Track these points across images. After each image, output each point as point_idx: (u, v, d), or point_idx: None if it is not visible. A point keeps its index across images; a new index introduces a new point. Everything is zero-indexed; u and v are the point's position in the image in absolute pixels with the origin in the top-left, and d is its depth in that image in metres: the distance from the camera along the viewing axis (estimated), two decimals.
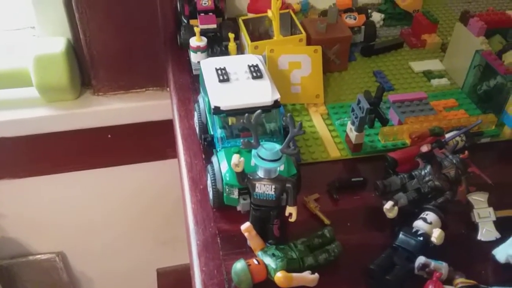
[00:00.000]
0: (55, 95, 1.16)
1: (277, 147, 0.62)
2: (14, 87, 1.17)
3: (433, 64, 1.01)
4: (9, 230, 1.45)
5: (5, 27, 1.23)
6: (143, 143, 1.32)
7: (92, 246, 1.54)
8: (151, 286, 1.73)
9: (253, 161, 0.62)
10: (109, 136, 1.27)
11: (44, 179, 1.33)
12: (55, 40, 1.14)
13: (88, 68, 1.17)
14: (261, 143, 0.62)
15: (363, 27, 1.02)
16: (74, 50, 1.17)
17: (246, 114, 0.62)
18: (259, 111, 0.62)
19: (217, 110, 0.70)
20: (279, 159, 0.62)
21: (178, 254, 1.56)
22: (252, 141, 0.62)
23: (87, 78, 1.21)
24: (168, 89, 1.21)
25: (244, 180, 0.63)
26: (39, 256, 1.52)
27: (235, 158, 0.61)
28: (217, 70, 0.74)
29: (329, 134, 0.85)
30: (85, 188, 1.40)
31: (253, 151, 0.62)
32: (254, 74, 0.74)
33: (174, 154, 1.27)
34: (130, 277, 1.67)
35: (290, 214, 0.64)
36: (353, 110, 0.78)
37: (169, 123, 1.03)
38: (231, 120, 0.72)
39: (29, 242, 1.50)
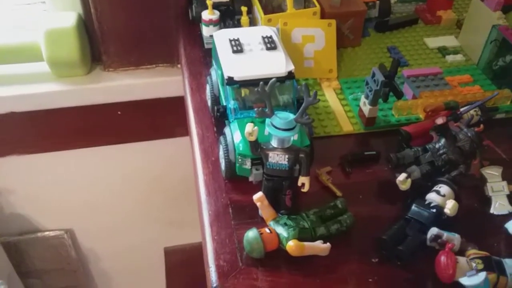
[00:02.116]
0: (65, 70, 1.16)
1: (291, 116, 0.62)
2: (25, 61, 1.17)
3: (448, 40, 0.99)
4: (18, 206, 1.46)
5: (16, 2, 1.23)
6: (152, 120, 1.32)
7: (100, 224, 1.55)
8: (158, 264, 1.74)
9: (267, 130, 0.62)
10: (119, 112, 1.27)
11: (53, 155, 1.34)
12: (66, 14, 1.13)
13: (99, 44, 1.17)
14: (275, 112, 0.62)
15: (377, 2, 1.01)
16: (85, 25, 1.16)
17: (261, 83, 0.61)
18: (273, 79, 0.61)
19: (230, 81, 0.70)
20: (293, 128, 0.61)
21: (186, 233, 1.57)
22: (266, 110, 0.62)
23: (97, 54, 1.20)
24: (179, 65, 1.20)
25: (257, 149, 0.63)
26: (47, 233, 1.54)
27: (249, 126, 0.61)
28: (230, 41, 0.74)
29: (342, 109, 0.84)
30: (93, 165, 1.41)
31: (267, 120, 0.62)
32: (268, 45, 0.73)
33: (183, 132, 1.27)
34: (137, 255, 1.69)
35: (303, 184, 0.63)
36: (367, 84, 0.77)
37: (179, 100, 1.02)
38: (244, 91, 0.72)
39: (38, 219, 1.51)
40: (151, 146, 1.38)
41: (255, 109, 0.63)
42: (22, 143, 1.30)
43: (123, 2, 1.10)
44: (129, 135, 1.35)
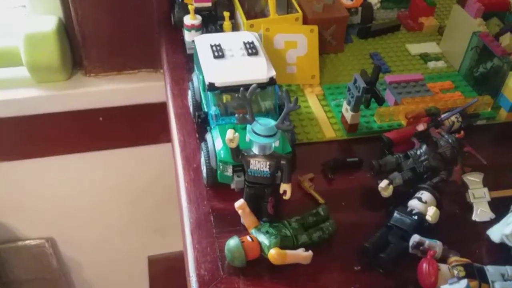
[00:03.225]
0: (45, 75, 1.14)
1: (272, 122, 0.61)
2: (4, 66, 1.15)
3: (430, 47, 1.00)
4: None
5: None
6: (135, 126, 1.30)
7: (83, 232, 1.53)
8: (142, 273, 1.72)
9: (248, 136, 0.61)
10: (101, 118, 1.25)
11: (33, 162, 1.31)
12: (46, 18, 1.12)
13: (80, 48, 1.15)
14: (256, 118, 0.61)
15: (360, 8, 1.01)
16: (66, 30, 1.15)
17: (242, 89, 0.61)
18: (254, 85, 0.61)
19: (211, 87, 0.69)
20: (274, 134, 0.60)
21: (170, 242, 1.55)
22: (247, 116, 0.61)
23: (78, 59, 1.19)
24: (161, 70, 1.19)
25: (239, 156, 0.62)
26: (28, 241, 1.51)
27: (230, 133, 0.60)
28: (212, 46, 0.73)
29: (325, 115, 0.84)
30: (75, 172, 1.38)
31: (248, 127, 0.61)
32: (250, 51, 0.73)
33: (167, 139, 1.25)
34: (120, 264, 1.66)
35: (285, 192, 0.63)
36: (349, 90, 0.77)
37: (162, 106, 1.01)
38: (225, 97, 0.71)
39: (18, 227, 1.48)
40: (134, 152, 1.37)
41: (236, 115, 0.62)
42: (1, 150, 1.27)
43: (104, 6, 1.08)
44: (111, 141, 1.33)
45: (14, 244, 1.50)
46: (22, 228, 1.48)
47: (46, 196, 1.41)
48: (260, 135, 0.60)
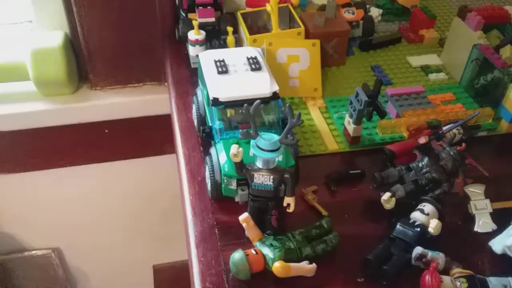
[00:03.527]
0: (52, 89, 1.16)
1: (276, 137, 0.62)
2: (12, 81, 1.17)
3: (431, 59, 1.01)
4: (5, 225, 1.45)
5: (3, 21, 1.23)
6: (140, 138, 1.32)
7: (88, 242, 1.54)
8: (147, 282, 1.72)
9: (252, 151, 0.62)
10: (106, 131, 1.27)
11: (40, 174, 1.33)
12: (52, 34, 1.14)
13: (86, 63, 1.17)
14: (259, 133, 0.62)
15: (361, 21, 1.03)
16: (72, 44, 1.17)
17: (245, 104, 0.62)
18: (258, 101, 0.62)
19: (215, 102, 0.70)
20: (278, 149, 0.62)
21: (175, 251, 1.56)
22: (251, 131, 0.62)
23: (84, 73, 1.20)
24: (166, 83, 1.21)
25: (243, 170, 0.63)
26: (34, 252, 1.52)
27: (234, 148, 0.61)
28: (215, 62, 0.74)
29: (327, 127, 0.85)
30: (81, 183, 1.40)
31: (252, 141, 0.62)
32: (253, 66, 0.74)
33: (171, 150, 1.27)
34: (126, 273, 1.67)
35: (288, 205, 0.64)
36: (351, 103, 0.78)
37: (167, 118, 1.03)
38: (229, 111, 0.72)
39: (25, 238, 1.50)
40: (139, 163, 1.38)
41: (240, 130, 0.63)
42: (8, 162, 1.29)
43: (109, 21, 1.10)
44: (117, 153, 1.35)
45: (21, 254, 1.51)
46: (28, 238, 1.50)
47: (53, 207, 1.43)
48: (264, 150, 0.61)
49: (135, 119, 1.26)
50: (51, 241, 1.52)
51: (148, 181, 1.44)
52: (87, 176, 1.38)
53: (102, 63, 1.17)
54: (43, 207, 1.42)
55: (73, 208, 1.44)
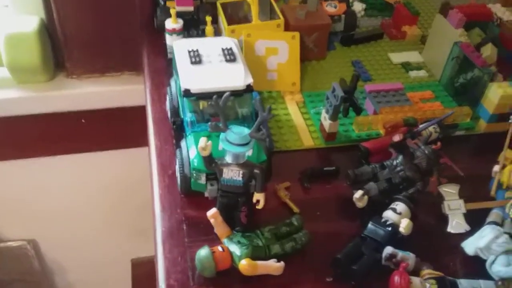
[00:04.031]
0: (26, 76, 1.13)
1: (246, 131, 0.60)
2: None
3: (412, 56, 1.00)
4: None
5: None
6: (118, 129, 1.29)
7: (65, 234, 1.51)
8: (125, 276, 1.70)
9: (221, 145, 0.60)
10: (83, 121, 1.24)
11: (16, 164, 1.30)
12: (27, 19, 1.10)
13: (62, 49, 1.14)
14: (229, 127, 0.61)
15: (343, 16, 1.01)
16: (48, 30, 1.13)
17: (214, 96, 0.60)
18: (227, 93, 0.60)
19: (187, 93, 0.68)
20: (248, 143, 0.60)
21: (153, 245, 1.53)
22: (220, 124, 0.60)
23: (61, 60, 1.17)
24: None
25: (212, 164, 0.62)
26: (10, 243, 1.49)
27: (202, 141, 0.59)
28: (189, 52, 0.72)
29: (304, 123, 0.84)
30: (58, 174, 1.37)
31: (221, 135, 0.61)
32: (228, 58, 0.72)
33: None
34: (103, 267, 1.64)
35: (258, 201, 0.62)
36: (327, 98, 0.76)
37: (145, 109, 1.00)
38: (202, 103, 0.70)
39: (0, 229, 1.46)
40: (117, 155, 1.35)
41: (209, 123, 0.61)
42: None
43: (86, 6, 1.07)
44: (94, 144, 1.32)
45: None
46: (3, 229, 1.47)
47: (28, 198, 1.40)
48: (234, 144, 0.59)
49: (112, 109, 1.23)
50: (26, 232, 1.49)
51: (126, 173, 1.41)
52: (63, 167, 1.35)
53: (79, 50, 1.14)
54: (18, 198, 1.39)
55: (49, 199, 1.41)
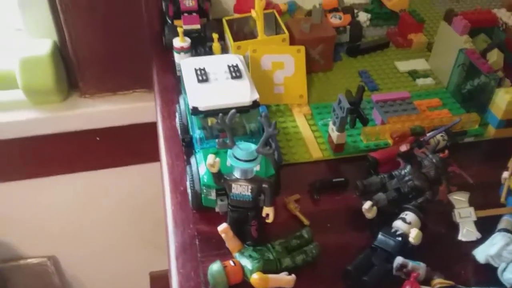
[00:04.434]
0: (41, 97, 1.16)
1: (253, 147, 0.61)
2: (1, 89, 1.17)
3: (419, 64, 1.00)
4: (0, 233, 1.44)
5: None
6: (133, 145, 1.31)
7: (84, 250, 1.53)
8: None
9: (229, 161, 0.62)
10: (98, 138, 1.27)
11: (34, 182, 1.33)
12: (41, 42, 1.13)
13: (75, 70, 1.17)
14: (236, 143, 0.62)
15: (348, 27, 1.02)
16: (61, 52, 1.16)
17: (220, 114, 0.61)
18: (233, 111, 0.61)
19: (195, 111, 0.70)
20: (255, 159, 0.61)
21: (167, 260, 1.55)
22: (227, 141, 0.62)
23: (74, 81, 1.20)
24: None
25: (221, 180, 0.63)
26: (30, 260, 1.52)
27: (210, 158, 0.60)
28: (196, 70, 0.74)
29: (312, 135, 0.84)
30: (76, 191, 1.39)
31: (229, 151, 0.62)
32: (234, 74, 0.73)
33: None
34: (122, 281, 1.66)
35: (267, 215, 0.63)
36: (334, 110, 0.77)
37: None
38: (210, 120, 0.72)
39: (20, 246, 1.49)
40: (133, 170, 1.38)
41: (217, 140, 0.62)
42: (1, 171, 1.28)
43: (97, 28, 1.10)
44: (110, 160, 1.34)
45: (16, 262, 1.51)
46: (24, 247, 1.50)
47: (47, 215, 1.43)
48: (241, 160, 0.61)
49: (127, 126, 1.25)
50: (46, 249, 1.52)
51: (142, 187, 1.43)
52: (81, 184, 1.38)
53: (91, 71, 1.17)
54: (38, 215, 1.42)
55: (68, 216, 1.44)
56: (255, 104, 0.71)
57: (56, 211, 1.42)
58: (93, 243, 1.53)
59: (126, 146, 1.31)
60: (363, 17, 1.10)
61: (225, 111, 0.65)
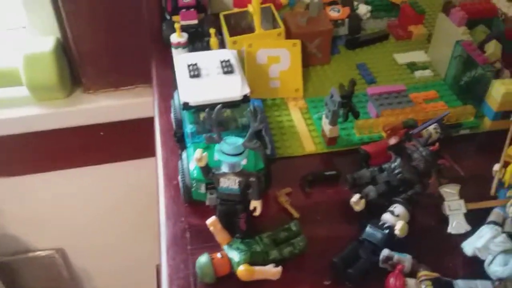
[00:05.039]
0: (45, 93, 1.18)
1: (239, 141, 0.62)
2: (5, 86, 1.19)
3: (418, 56, 0.99)
4: (9, 227, 1.47)
5: None
6: (137, 139, 1.32)
7: (92, 243, 1.56)
8: (150, 281, 1.74)
9: (216, 155, 0.62)
10: (102, 133, 1.29)
11: (41, 177, 1.35)
12: (44, 39, 1.15)
13: (78, 66, 1.19)
14: (224, 137, 0.62)
15: (347, 19, 1.01)
16: (64, 49, 1.18)
17: (207, 109, 0.62)
18: (219, 105, 0.62)
19: (186, 106, 0.71)
20: (241, 153, 0.62)
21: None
22: (215, 135, 0.62)
23: (77, 76, 1.22)
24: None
25: (209, 174, 0.64)
26: (39, 252, 1.55)
27: (198, 152, 0.61)
28: (188, 66, 0.75)
29: (306, 128, 0.85)
30: (82, 185, 1.42)
31: (216, 146, 0.63)
32: (225, 69, 0.74)
33: None
34: (130, 273, 1.69)
35: (255, 208, 0.64)
36: (326, 104, 0.77)
37: None
38: (201, 115, 0.72)
39: (29, 239, 1.52)
40: (139, 164, 1.39)
41: (204, 135, 0.63)
42: (7, 166, 1.31)
43: (98, 24, 1.11)
44: (115, 154, 1.36)
45: (25, 255, 1.54)
46: (32, 240, 1.53)
47: (55, 209, 1.45)
48: (228, 154, 0.61)
49: (129, 120, 1.26)
50: (54, 242, 1.55)
51: (148, 181, 1.43)
52: (87, 178, 1.40)
53: (93, 67, 1.19)
54: (46, 209, 1.45)
55: (75, 209, 1.47)
56: (246, 99, 0.71)
57: (63, 204, 1.45)
58: (101, 235, 1.55)
59: (130, 140, 1.32)
60: (363, 9, 1.08)
61: (215, 106, 0.65)
